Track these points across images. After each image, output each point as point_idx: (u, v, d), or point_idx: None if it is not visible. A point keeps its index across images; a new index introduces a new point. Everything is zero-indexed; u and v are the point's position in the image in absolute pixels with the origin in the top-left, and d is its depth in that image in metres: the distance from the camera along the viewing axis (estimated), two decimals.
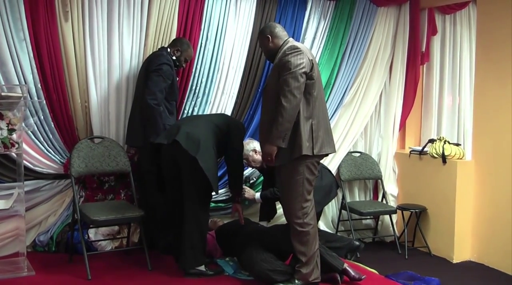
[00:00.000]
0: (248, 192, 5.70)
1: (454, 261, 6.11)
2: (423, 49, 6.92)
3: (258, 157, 5.46)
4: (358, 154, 6.79)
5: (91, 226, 5.34)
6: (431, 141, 6.53)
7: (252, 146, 5.57)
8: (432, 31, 6.95)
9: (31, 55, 5.12)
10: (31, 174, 5.37)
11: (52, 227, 5.55)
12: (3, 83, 5.02)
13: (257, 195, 5.62)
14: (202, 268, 4.95)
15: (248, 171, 6.15)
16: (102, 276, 4.93)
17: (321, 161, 4.85)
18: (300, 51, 4.37)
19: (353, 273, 4.82)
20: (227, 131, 5.06)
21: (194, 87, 5.84)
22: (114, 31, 5.42)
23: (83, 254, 4.95)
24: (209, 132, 4.96)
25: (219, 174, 5.54)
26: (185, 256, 4.90)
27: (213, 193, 5.08)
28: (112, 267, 5.20)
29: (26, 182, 5.17)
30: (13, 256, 5.18)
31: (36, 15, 5.07)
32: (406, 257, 6.16)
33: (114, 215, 4.99)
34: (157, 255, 5.38)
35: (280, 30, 4.69)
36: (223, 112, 5.98)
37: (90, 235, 5.56)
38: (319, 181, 5.37)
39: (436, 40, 7.07)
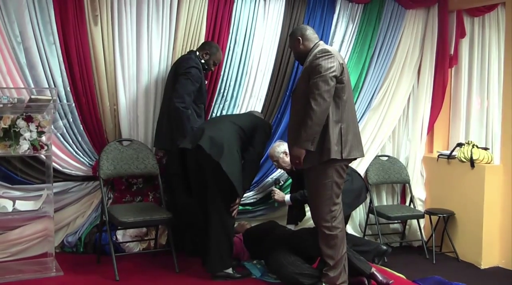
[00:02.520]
0: (278, 194, 5.69)
1: (482, 267, 6.05)
2: (452, 52, 6.85)
3: (289, 159, 5.45)
4: (386, 158, 6.76)
5: (119, 227, 5.36)
6: (459, 145, 6.48)
7: (282, 148, 5.56)
8: (461, 33, 6.88)
9: (61, 58, 5.18)
10: (60, 176, 5.43)
11: (80, 228, 5.59)
12: (32, 86, 5.09)
13: (287, 197, 5.61)
14: (230, 271, 4.95)
15: (276, 174, 6.16)
16: (129, 278, 4.95)
17: (350, 165, 4.83)
18: (331, 54, 4.35)
19: (380, 278, 4.79)
20: (252, 133, 5.06)
21: (222, 90, 5.85)
22: (143, 34, 5.46)
23: (111, 255, 5.00)
24: (233, 135, 4.96)
25: None
26: (212, 259, 4.91)
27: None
28: (140, 268, 5.22)
29: (55, 184, 5.20)
30: (42, 257, 5.24)
31: (66, 19, 5.13)
32: (434, 262, 6.11)
33: (142, 217, 5.02)
34: (185, 257, 5.38)
35: (311, 33, 4.68)
36: None
37: (118, 237, 5.58)
38: (350, 184, 5.37)
39: (465, 43, 7.00)
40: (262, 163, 5.91)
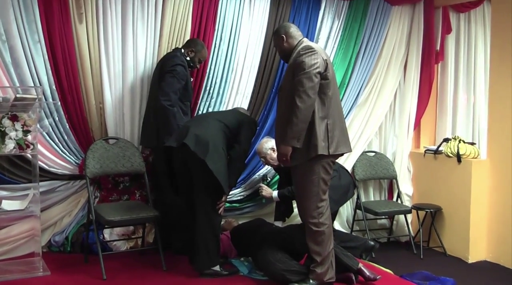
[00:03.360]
0: (266, 190, 5.70)
1: (470, 261, 6.08)
2: (438, 48, 6.88)
3: (276, 156, 5.46)
4: (373, 154, 6.78)
5: (106, 226, 5.35)
6: (446, 140, 6.51)
7: (270, 144, 5.56)
8: (447, 29, 6.91)
9: (46, 57, 5.16)
10: (46, 175, 5.40)
11: (67, 228, 5.57)
12: (18, 85, 5.06)
13: (275, 193, 5.62)
14: (217, 268, 4.95)
15: (263, 170, 6.17)
16: (117, 276, 4.94)
17: (337, 161, 4.83)
18: (315, 51, 4.36)
19: (368, 273, 4.80)
20: (237, 130, 5.06)
21: (208, 88, 5.85)
22: (128, 32, 5.44)
23: (98, 254, 4.99)
24: (219, 132, 4.95)
25: None
26: (199, 257, 4.91)
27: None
28: (127, 267, 5.21)
29: (41, 183, 5.20)
30: (29, 256, 5.22)
31: (51, 17, 5.11)
32: (421, 257, 6.14)
33: (129, 215, 5.01)
34: (172, 255, 5.39)
35: (294, 30, 4.68)
36: None
37: (105, 235, 5.58)
38: (337, 181, 5.38)
39: (451, 39, 7.02)
40: (249, 160, 5.94)
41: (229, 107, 5.93)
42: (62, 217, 5.59)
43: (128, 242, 5.70)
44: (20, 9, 4.99)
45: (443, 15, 6.84)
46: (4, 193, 5.22)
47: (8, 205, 4.92)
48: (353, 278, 4.79)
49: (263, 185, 5.80)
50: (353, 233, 6.43)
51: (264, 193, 5.71)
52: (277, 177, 6.01)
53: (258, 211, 6.22)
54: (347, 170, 5.98)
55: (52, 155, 5.38)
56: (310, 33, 6.18)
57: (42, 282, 4.77)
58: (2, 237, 5.26)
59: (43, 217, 5.33)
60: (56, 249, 5.54)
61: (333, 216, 5.57)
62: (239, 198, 6.12)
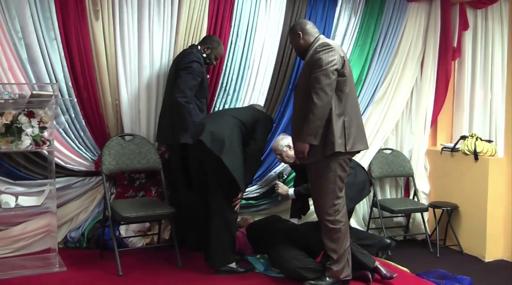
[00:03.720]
0: (282, 187, 5.69)
1: (486, 260, 6.04)
2: (455, 45, 6.82)
3: (292, 153, 5.43)
4: (389, 151, 6.74)
5: (122, 222, 5.37)
6: (463, 137, 6.47)
7: (286, 142, 5.55)
8: (464, 26, 6.84)
9: (62, 53, 5.17)
10: (63, 171, 5.42)
11: (83, 224, 5.59)
12: (34, 81, 5.08)
13: (291, 191, 5.60)
14: (233, 265, 4.95)
15: (279, 167, 6.15)
16: (132, 272, 4.95)
17: (353, 158, 4.81)
18: (332, 48, 4.34)
19: (384, 271, 4.78)
20: (253, 127, 5.04)
21: (224, 85, 5.84)
22: (144, 29, 5.44)
23: (114, 251, 5.00)
24: (234, 129, 4.94)
25: None
26: (214, 254, 4.91)
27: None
28: (143, 263, 5.22)
29: (57, 179, 5.22)
30: (45, 252, 5.23)
31: (67, 14, 5.12)
32: (438, 255, 6.10)
33: (145, 212, 5.01)
34: (188, 252, 5.39)
35: (311, 27, 4.66)
36: None
37: (121, 232, 5.59)
38: (353, 178, 5.34)
39: (468, 36, 6.95)
40: (265, 157, 5.93)
41: (245, 104, 5.92)
42: (78, 213, 5.61)
43: (144, 238, 5.71)
44: (36, 6, 5.01)
45: (460, 11, 6.77)
46: (20, 189, 5.25)
47: (24, 201, 4.93)
48: (370, 276, 4.76)
49: (279, 182, 5.79)
50: (369, 231, 6.40)
51: (280, 190, 5.70)
52: (293, 174, 5.99)
53: (273, 208, 6.21)
54: (363, 168, 5.95)
55: (68, 151, 5.39)
56: (326, 30, 6.15)
57: (58, 277, 4.78)
58: (19, 233, 5.30)
59: (59, 213, 5.35)
60: (72, 245, 5.56)
61: (349, 213, 5.54)
62: (255, 195, 6.12)
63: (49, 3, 5.04)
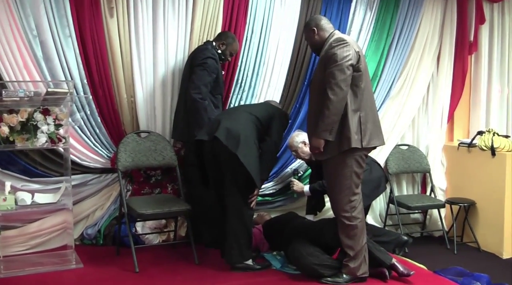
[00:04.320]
0: (297, 185, 5.67)
1: (504, 257, 5.97)
2: (471, 39, 6.77)
3: (307, 149, 5.41)
4: (406, 147, 6.69)
5: (138, 219, 5.37)
6: (480, 133, 6.40)
7: (301, 138, 5.53)
8: (480, 20, 6.79)
9: (77, 51, 5.20)
10: (79, 168, 5.44)
11: (99, 221, 5.62)
12: (49, 79, 5.11)
13: (306, 188, 5.57)
14: (249, 262, 4.94)
15: (295, 164, 6.13)
16: (149, 269, 4.96)
17: (369, 155, 4.79)
18: (347, 43, 4.33)
19: (401, 269, 4.75)
20: (269, 123, 5.03)
21: (240, 81, 5.83)
22: (159, 26, 5.44)
23: (130, 247, 5.02)
24: (250, 125, 4.92)
25: None
26: (231, 251, 4.90)
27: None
28: (159, 260, 5.23)
29: (73, 176, 5.26)
30: (61, 249, 5.29)
31: (82, 11, 5.14)
32: (455, 252, 6.04)
33: (161, 208, 5.01)
34: (204, 249, 5.39)
35: (325, 23, 4.64)
36: None
37: (137, 229, 5.60)
38: (368, 175, 5.30)
39: (484, 30, 6.90)
40: (281, 154, 5.92)
41: (261, 100, 5.89)
42: (95, 210, 5.63)
43: (160, 235, 5.73)
44: (51, 4, 5.04)
45: (476, 5, 6.72)
46: (36, 186, 5.28)
47: (40, 198, 4.97)
48: (387, 273, 4.73)
49: (294, 179, 5.77)
50: (386, 228, 6.37)
51: (295, 187, 5.68)
52: (309, 171, 5.97)
53: (289, 205, 6.20)
54: (378, 164, 5.90)
55: (84, 148, 5.41)
56: (342, 25, 6.12)
57: (75, 274, 4.81)
58: (35, 230, 5.33)
59: (76, 210, 5.36)
60: (88, 241, 5.58)
61: (366, 210, 5.49)
62: (271, 191, 6.11)
63: (64, 1, 5.07)
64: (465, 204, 6.25)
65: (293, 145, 5.58)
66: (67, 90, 4.82)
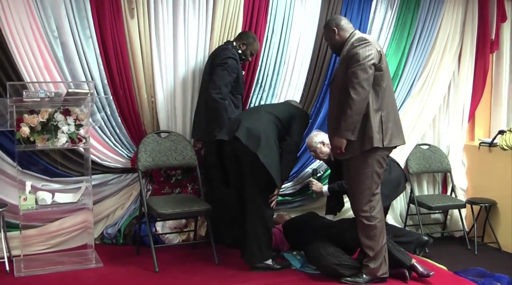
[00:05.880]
0: (316, 185, 5.65)
1: None
2: (493, 37, 6.71)
3: (326, 149, 5.41)
4: (427, 147, 6.66)
5: (158, 219, 5.37)
6: (501, 132, 6.35)
7: (320, 138, 5.51)
8: (502, 18, 6.73)
9: (98, 52, 5.22)
10: (99, 168, 5.47)
11: (119, 220, 5.64)
12: (70, 79, 5.15)
13: (325, 188, 5.56)
14: (269, 262, 4.93)
15: (315, 164, 6.13)
16: (169, 269, 4.97)
17: (390, 154, 4.77)
18: (369, 42, 4.32)
19: (421, 269, 4.73)
20: (289, 123, 5.01)
21: (260, 81, 5.83)
22: (179, 26, 5.46)
23: (150, 247, 5.03)
24: (270, 125, 4.91)
25: None
26: (251, 251, 4.90)
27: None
28: (179, 260, 5.24)
29: (94, 176, 5.29)
30: (82, 248, 5.32)
31: (102, 12, 5.17)
32: (476, 253, 6.00)
33: (181, 208, 5.02)
34: (224, 248, 5.39)
35: (345, 23, 4.63)
36: None
37: (157, 228, 5.62)
38: (388, 175, 5.27)
39: (506, 27, 6.85)
40: (301, 154, 5.92)
41: (281, 100, 5.88)
42: (115, 210, 5.66)
43: (180, 235, 5.74)
44: (71, 5, 5.08)
45: (498, 3, 6.67)
46: (57, 186, 5.33)
47: (61, 197, 5.01)
48: (407, 274, 4.71)
49: (313, 179, 5.75)
50: (407, 228, 6.35)
51: (314, 187, 5.66)
52: (329, 171, 5.95)
53: (309, 205, 6.20)
54: (398, 164, 5.87)
55: (104, 148, 5.44)
56: (362, 25, 6.11)
57: (95, 273, 4.84)
58: (56, 229, 5.37)
59: (96, 210, 5.40)
60: (108, 241, 5.61)
61: (385, 210, 5.46)
62: (291, 191, 6.12)
63: (85, 2, 5.10)
64: (486, 204, 6.20)
65: (312, 145, 5.57)
66: (87, 91, 4.85)
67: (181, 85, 5.57)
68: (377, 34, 6.25)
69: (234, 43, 5.43)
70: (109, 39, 5.22)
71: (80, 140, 4.87)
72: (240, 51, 5.40)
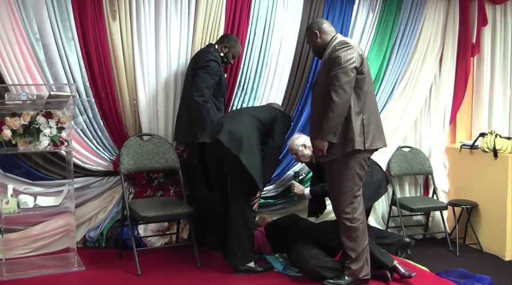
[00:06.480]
0: (298, 187, 5.66)
1: (506, 259, 5.97)
2: (474, 41, 6.77)
3: (308, 152, 5.42)
4: (408, 149, 6.69)
5: (140, 222, 5.37)
6: (482, 135, 6.40)
7: (301, 141, 5.52)
8: (483, 22, 6.79)
9: (80, 54, 5.21)
10: (81, 171, 5.45)
11: (102, 223, 5.62)
12: (52, 82, 5.13)
13: (307, 190, 5.57)
14: (252, 264, 4.93)
15: (297, 167, 6.13)
16: (151, 272, 4.96)
17: (371, 157, 4.79)
18: (350, 46, 4.34)
19: (403, 270, 4.74)
20: (271, 125, 5.02)
21: (242, 83, 5.84)
22: (161, 28, 5.45)
23: (132, 250, 5.01)
24: (252, 128, 4.92)
25: None
26: (233, 253, 4.90)
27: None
28: (162, 263, 5.23)
29: (76, 179, 5.24)
30: (64, 252, 5.28)
31: (84, 14, 5.16)
32: (457, 254, 6.04)
33: (163, 211, 5.01)
34: (207, 251, 5.38)
35: (327, 26, 4.65)
36: None
37: (140, 231, 5.60)
38: (369, 177, 5.28)
39: (487, 31, 6.91)
40: (283, 156, 5.90)
41: (263, 103, 5.90)
42: (97, 213, 5.63)
43: (163, 238, 5.72)
44: (53, 8, 5.07)
45: (479, 7, 6.71)
46: (39, 189, 5.30)
47: (43, 201, 4.97)
48: (389, 275, 4.73)
49: (295, 182, 5.75)
50: (389, 230, 6.37)
51: (296, 190, 5.66)
52: (311, 174, 5.96)
53: (291, 207, 6.20)
54: (379, 166, 5.88)
55: (87, 151, 5.42)
56: (344, 28, 6.13)
57: (77, 277, 4.82)
58: (38, 233, 5.34)
59: (78, 213, 5.38)
60: (91, 244, 5.59)
61: (367, 212, 5.48)
62: (273, 194, 6.12)
63: (67, 4, 5.08)
64: (468, 206, 6.25)
65: (294, 148, 5.58)
66: (69, 93, 4.84)
67: (163, 87, 5.57)
68: (359, 37, 6.27)
69: (216, 46, 5.43)
70: (91, 42, 5.20)
71: (62, 143, 4.86)
72: (222, 54, 5.41)
